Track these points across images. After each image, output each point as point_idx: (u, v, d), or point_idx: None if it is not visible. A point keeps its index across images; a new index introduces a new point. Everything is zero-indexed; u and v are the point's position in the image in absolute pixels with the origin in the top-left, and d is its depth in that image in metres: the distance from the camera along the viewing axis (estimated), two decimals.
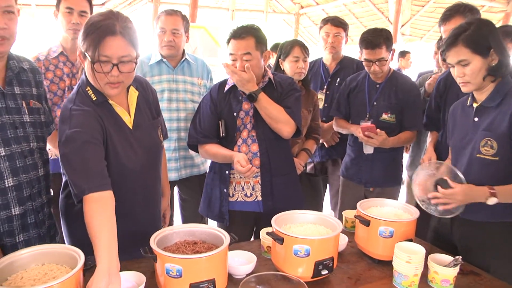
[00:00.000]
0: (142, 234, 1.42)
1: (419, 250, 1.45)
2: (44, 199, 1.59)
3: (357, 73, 2.64)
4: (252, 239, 2.11)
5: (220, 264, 1.30)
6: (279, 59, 2.45)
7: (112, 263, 1.16)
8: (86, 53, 1.36)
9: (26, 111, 1.51)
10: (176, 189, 2.64)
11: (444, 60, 1.66)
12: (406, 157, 2.92)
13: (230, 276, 1.42)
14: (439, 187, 1.59)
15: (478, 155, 1.62)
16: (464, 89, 1.65)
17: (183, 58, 2.50)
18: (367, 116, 2.46)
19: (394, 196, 2.50)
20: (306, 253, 1.39)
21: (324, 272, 1.41)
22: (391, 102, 2.43)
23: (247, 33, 1.85)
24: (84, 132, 1.36)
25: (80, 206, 1.30)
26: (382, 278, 1.51)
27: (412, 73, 5.81)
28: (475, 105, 1.68)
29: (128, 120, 1.52)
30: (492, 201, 1.52)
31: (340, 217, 1.93)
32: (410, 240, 1.56)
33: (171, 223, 2.36)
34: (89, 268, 1.30)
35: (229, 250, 1.36)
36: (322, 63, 2.95)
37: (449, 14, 2.26)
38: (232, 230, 1.52)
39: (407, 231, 1.58)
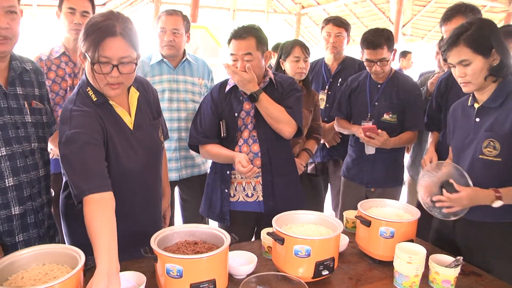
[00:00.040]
0: (143, 234, 1.42)
1: (420, 250, 1.45)
2: (44, 199, 1.59)
3: (358, 73, 2.64)
4: (253, 239, 2.10)
5: (221, 264, 1.30)
6: (280, 59, 2.45)
7: (112, 264, 1.16)
8: (86, 54, 1.36)
9: (28, 112, 1.52)
10: (176, 189, 2.64)
11: (445, 60, 1.65)
12: (407, 157, 2.92)
13: (230, 277, 1.41)
14: (444, 191, 1.57)
15: (480, 156, 1.61)
16: (465, 89, 1.64)
17: (184, 58, 2.50)
18: (368, 116, 2.45)
19: (395, 197, 2.50)
20: (306, 254, 1.38)
21: (325, 272, 1.41)
22: (392, 102, 2.42)
23: (248, 33, 1.85)
24: (84, 133, 1.35)
25: (80, 206, 1.30)
26: (382, 279, 1.50)
27: (413, 73, 5.81)
28: (476, 105, 1.67)
29: (129, 120, 1.52)
30: (497, 204, 1.52)
31: (341, 218, 1.93)
32: (411, 241, 1.55)
33: (171, 223, 2.36)
34: (89, 268, 1.29)
35: (229, 251, 1.36)
36: (324, 63, 2.95)
37: (450, 14, 2.26)
38: (233, 230, 1.52)
39: (408, 232, 1.58)
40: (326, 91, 2.89)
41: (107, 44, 1.33)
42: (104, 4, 8.04)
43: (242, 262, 1.53)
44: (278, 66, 2.47)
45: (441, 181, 1.62)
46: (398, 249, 1.44)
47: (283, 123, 1.88)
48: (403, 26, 9.48)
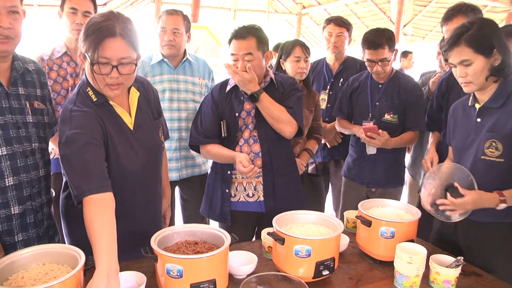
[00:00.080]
0: (143, 234, 1.42)
1: (421, 250, 1.45)
2: (43, 199, 1.59)
3: (359, 73, 2.64)
4: (254, 239, 2.10)
5: (221, 264, 1.30)
6: (280, 59, 2.44)
7: (112, 266, 1.16)
8: (86, 54, 1.36)
9: (30, 112, 1.52)
10: (177, 189, 2.64)
11: (446, 60, 1.65)
12: (407, 157, 2.92)
13: (231, 277, 1.41)
14: (448, 195, 1.56)
15: (482, 157, 1.60)
16: (466, 89, 1.63)
17: (185, 58, 2.50)
18: (370, 116, 2.45)
19: (396, 197, 2.49)
20: (307, 254, 1.38)
21: (325, 272, 1.41)
22: (393, 102, 2.42)
23: (249, 33, 1.85)
24: (84, 133, 1.35)
25: (80, 207, 1.30)
26: (383, 279, 1.50)
27: (414, 73, 5.80)
28: (477, 105, 1.67)
29: (129, 120, 1.52)
30: (501, 206, 1.52)
31: (341, 218, 1.93)
32: (412, 241, 1.55)
33: (172, 223, 2.36)
34: (89, 268, 1.29)
35: (230, 250, 1.36)
36: (325, 63, 2.95)
37: (451, 14, 2.25)
38: (234, 230, 1.52)
39: (409, 232, 1.58)
40: (327, 91, 2.89)
41: (106, 45, 1.32)
42: (105, 4, 8.04)
43: (243, 262, 1.53)
44: (278, 66, 2.47)
45: (445, 184, 1.61)
46: (398, 249, 1.44)
47: (284, 123, 1.88)
48: (404, 26, 9.47)
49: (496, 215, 1.58)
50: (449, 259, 1.47)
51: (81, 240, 1.27)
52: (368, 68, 2.43)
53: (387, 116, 2.43)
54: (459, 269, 1.41)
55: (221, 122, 1.96)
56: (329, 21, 2.87)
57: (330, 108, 2.81)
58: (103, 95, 1.44)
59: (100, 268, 1.14)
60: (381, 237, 1.57)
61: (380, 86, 2.46)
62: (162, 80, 2.44)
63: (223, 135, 1.95)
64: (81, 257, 1.18)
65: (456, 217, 1.60)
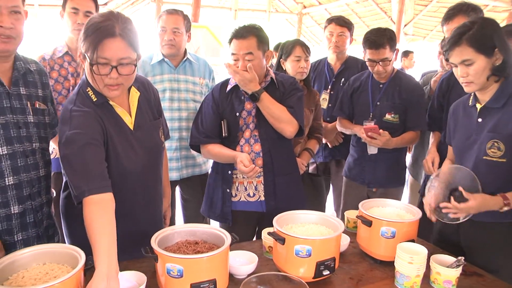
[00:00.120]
0: (143, 234, 1.41)
1: (421, 250, 1.45)
2: (43, 199, 1.59)
3: (360, 73, 2.63)
4: (254, 239, 2.10)
5: (221, 264, 1.30)
6: (281, 59, 2.44)
7: (111, 266, 1.16)
8: (85, 54, 1.35)
9: (31, 112, 1.52)
10: (177, 189, 2.64)
11: (447, 59, 1.64)
12: (408, 157, 2.91)
13: (231, 276, 1.41)
14: (452, 199, 1.55)
15: (484, 157, 1.60)
16: (467, 89, 1.63)
17: (185, 58, 2.50)
18: (370, 116, 2.45)
19: (397, 197, 2.49)
20: (307, 254, 1.38)
21: (326, 272, 1.41)
22: (394, 102, 2.42)
23: (249, 33, 1.85)
24: (84, 133, 1.35)
25: (80, 207, 1.30)
26: (384, 279, 1.50)
27: (415, 73, 5.79)
28: (478, 105, 1.66)
29: (129, 120, 1.52)
30: (505, 209, 1.52)
31: (342, 218, 1.92)
32: (412, 241, 1.55)
33: (172, 223, 2.36)
34: (90, 268, 1.29)
35: (230, 250, 1.36)
36: (327, 63, 2.95)
37: (452, 13, 2.25)
38: (235, 230, 1.52)
39: (409, 232, 1.57)
40: (328, 90, 2.88)
41: (106, 45, 1.32)
42: (105, 4, 8.05)
43: (243, 262, 1.52)
44: (278, 66, 2.46)
45: (450, 188, 1.60)
46: (399, 249, 1.44)
47: (285, 122, 1.88)
48: (405, 25, 9.47)
49: (497, 215, 1.57)
50: (450, 259, 1.47)
51: (81, 240, 1.27)
52: (369, 68, 2.42)
53: (388, 116, 2.42)
54: (460, 269, 1.41)
55: (222, 121, 1.96)
56: (331, 20, 2.87)
57: (332, 108, 2.80)
58: (103, 95, 1.44)
59: (99, 269, 1.14)
60: (381, 237, 1.56)
61: (381, 86, 2.46)
62: (163, 80, 2.44)
63: (223, 134, 1.95)
64: (82, 257, 1.18)
65: (460, 218, 1.60)
